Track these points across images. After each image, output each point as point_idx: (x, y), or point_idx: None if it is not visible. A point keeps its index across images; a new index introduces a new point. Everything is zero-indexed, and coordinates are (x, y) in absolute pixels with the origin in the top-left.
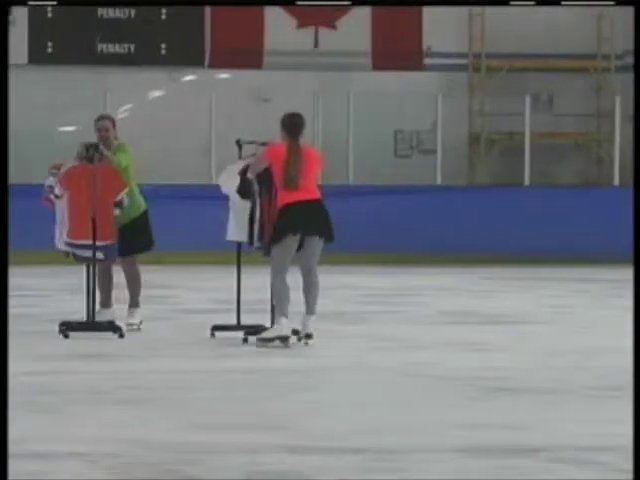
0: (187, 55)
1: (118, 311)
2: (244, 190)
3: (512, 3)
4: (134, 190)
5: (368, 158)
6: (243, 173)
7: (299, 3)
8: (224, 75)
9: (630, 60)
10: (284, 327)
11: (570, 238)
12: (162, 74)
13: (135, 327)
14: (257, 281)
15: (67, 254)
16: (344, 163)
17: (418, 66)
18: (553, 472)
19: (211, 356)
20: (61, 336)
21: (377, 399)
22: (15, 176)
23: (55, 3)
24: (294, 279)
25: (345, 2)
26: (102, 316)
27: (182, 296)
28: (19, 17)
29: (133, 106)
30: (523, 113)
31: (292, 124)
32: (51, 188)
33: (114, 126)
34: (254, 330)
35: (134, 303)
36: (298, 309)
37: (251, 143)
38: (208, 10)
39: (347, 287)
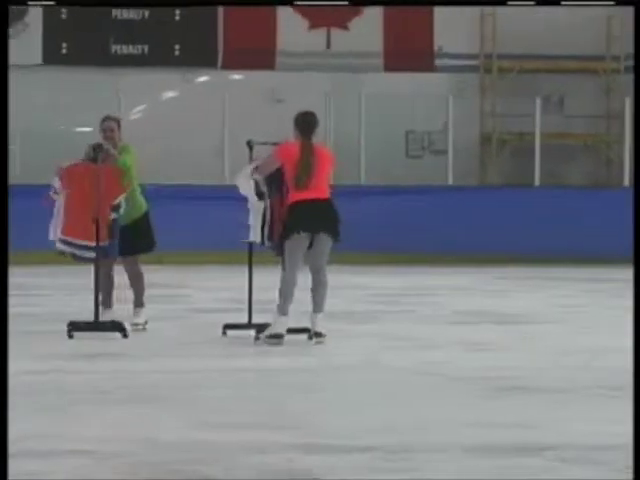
0: (200, 56)
1: (119, 311)
2: (258, 191)
3: (511, 3)
4: (136, 191)
5: (380, 158)
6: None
7: (300, 3)
8: (237, 76)
9: None
10: (279, 325)
11: (580, 238)
12: (175, 75)
13: (140, 327)
14: (269, 280)
15: (62, 252)
16: (356, 163)
17: (429, 67)
18: (563, 471)
19: (222, 355)
20: (66, 336)
21: (388, 398)
22: (29, 177)
23: (54, 3)
24: (303, 279)
25: (344, 2)
26: (103, 316)
27: (194, 295)
28: (34, 18)
29: (146, 107)
30: (534, 114)
31: (305, 123)
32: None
33: (119, 127)
34: (265, 329)
35: (139, 303)
36: (306, 308)
37: (262, 144)
38: (221, 11)
39: (358, 287)
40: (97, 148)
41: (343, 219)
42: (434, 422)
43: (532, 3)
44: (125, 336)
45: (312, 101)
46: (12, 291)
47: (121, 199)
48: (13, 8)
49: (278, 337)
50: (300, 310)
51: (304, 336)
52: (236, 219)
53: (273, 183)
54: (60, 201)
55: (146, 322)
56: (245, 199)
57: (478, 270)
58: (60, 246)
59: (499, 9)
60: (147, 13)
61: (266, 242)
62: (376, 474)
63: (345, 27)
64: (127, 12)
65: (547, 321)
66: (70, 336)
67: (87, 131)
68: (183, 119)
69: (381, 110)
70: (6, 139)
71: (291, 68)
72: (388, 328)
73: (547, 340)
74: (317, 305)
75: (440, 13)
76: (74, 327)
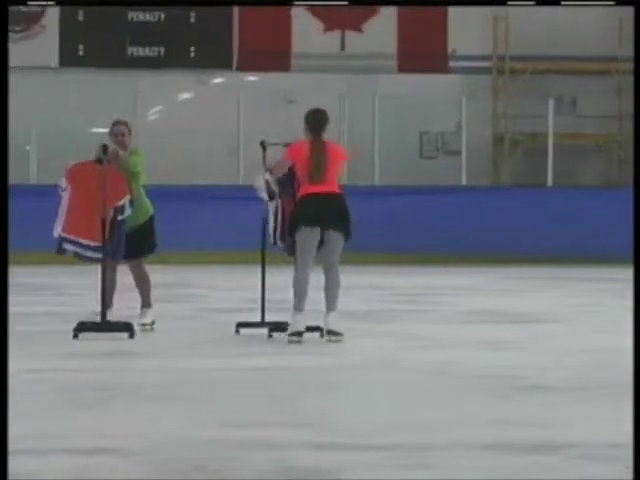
0: (215, 58)
1: (120, 311)
2: (269, 190)
3: (511, 3)
4: (142, 194)
5: (394, 159)
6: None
7: (300, 3)
8: (252, 78)
9: None
10: (299, 323)
11: (591, 238)
12: (191, 77)
13: (148, 327)
14: (282, 280)
15: (63, 251)
16: (370, 164)
17: (443, 69)
18: (578, 468)
19: (238, 354)
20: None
21: (403, 397)
22: (45, 177)
23: (53, 3)
24: (316, 278)
25: (344, 2)
26: (98, 316)
27: (208, 295)
28: (51, 21)
29: (162, 108)
30: (546, 115)
31: (316, 120)
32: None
33: (130, 132)
34: (278, 327)
35: (146, 303)
36: (318, 307)
37: (275, 145)
38: (236, 14)
39: (373, 286)
40: (104, 149)
41: (357, 219)
42: (449, 421)
43: (532, 3)
44: (132, 337)
45: (327, 102)
46: (36, 291)
47: (125, 201)
48: (29, 11)
49: (298, 334)
50: (310, 309)
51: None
52: (244, 218)
53: (285, 184)
54: (65, 199)
55: (153, 322)
56: (261, 200)
57: (492, 270)
58: (63, 245)
59: (511, 12)
60: (163, 15)
61: (278, 243)
62: (393, 471)
63: (359, 29)
64: (143, 14)
65: (560, 320)
66: (75, 336)
67: (103, 132)
68: (198, 120)
69: (395, 111)
70: (6, 139)
71: (306, 70)
72: (403, 327)
73: (561, 339)
74: (330, 304)
75: (454, 15)
76: (82, 327)
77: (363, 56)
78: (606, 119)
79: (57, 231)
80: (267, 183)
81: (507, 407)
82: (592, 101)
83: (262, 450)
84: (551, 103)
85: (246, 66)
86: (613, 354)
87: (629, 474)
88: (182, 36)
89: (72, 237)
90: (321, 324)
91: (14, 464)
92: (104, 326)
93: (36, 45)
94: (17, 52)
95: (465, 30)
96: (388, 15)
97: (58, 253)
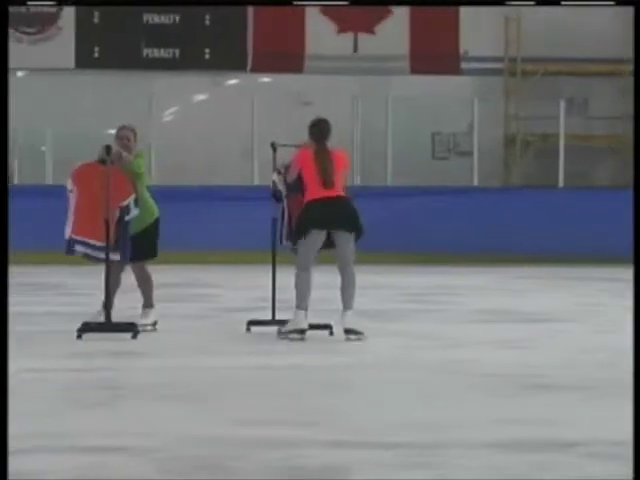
0: (230, 60)
1: (121, 311)
2: (275, 190)
3: (511, 3)
4: (147, 196)
5: (406, 160)
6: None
7: (300, 3)
8: (266, 79)
9: None
10: (302, 320)
11: (603, 239)
12: (206, 78)
13: (149, 328)
14: (292, 280)
15: (73, 252)
16: (383, 165)
17: (455, 70)
18: (589, 467)
19: (248, 352)
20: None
21: (415, 396)
22: (61, 178)
23: (53, 3)
24: (332, 277)
25: (344, 2)
26: (102, 316)
27: (220, 294)
28: (66, 23)
29: (177, 109)
30: (557, 116)
31: (319, 130)
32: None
33: (135, 136)
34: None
35: (148, 304)
36: (328, 306)
37: (285, 146)
38: (250, 16)
39: (386, 286)
40: (107, 149)
41: (370, 219)
42: (461, 419)
43: (532, 3)
44: (135, 337)
45: (340, 104)
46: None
47: (130, 200)
48: (45, 13)
49: (300, 332)
50: (318, 308)
51: (338, 335)
52: (256, 219)
53: (292, 187)
54: (72, 201)
55: (155, 323)
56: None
57: (503, 270)
58: (73, 246)
59: (523, 13)
60: (178, 17)
61: (284, 242)
62: (405, 469)
63: (372, 31)
64: (158, 16)
65: (570, 320)
66: (78, 337)
67: None
68: (213, 121)
69: (407, 112)
70: (6, 139)
71: (319, 71)
72: (414, 327)
73: (571, 338)
74: (346, 303)
75: (465, 17)
76: (86, 328)
77: (376, 58)
78: (617, 120)
79: (67, 233)
80: (274, 183)
81: (514, 406)
82: (603, 102)
83: (270, 448)
84: (562, 104)
85: (260, 68)
86: (619, 353)
87: None
88: (197, 38)
89: (80, 238)
90: (330, 322)
91: (19, 463)
92: (108, 326)
93: (52, 47)
94: (33, 54)
95: (477, 32)
96: (400, 17)
97: (68, 254)
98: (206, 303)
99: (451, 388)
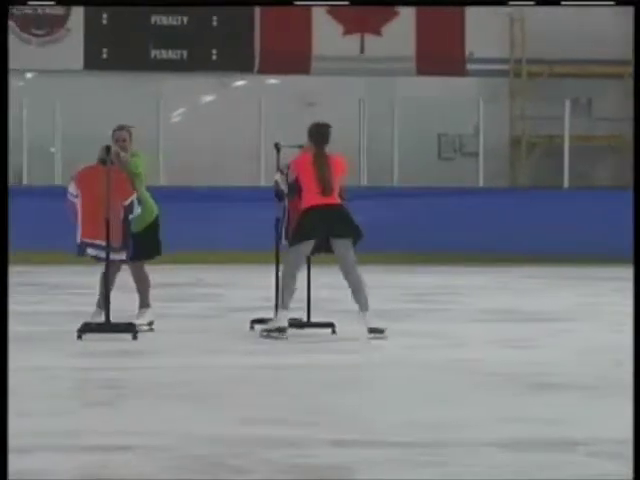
0: (237, 61)
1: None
2: (277, 190)
3: (511, 3)
4: (146, 195)
5: (412, 160)
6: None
7: (300, 3)
8: (273, 80)
9: None
10: (283, 319)
11: (608, 238)
12: (213, 80)
13: (145, 328)
14: (299, 280)
15: (85, 255)
16: (389, 165)
17: (461, 72)
18: (595, 466)
19: (253, 352)
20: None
21: (419, 395)
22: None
23: (53, 3)
24: (335, 278)
25: (344, 2)
26: (98, 316)
27: (225, 294)
28: (75, 24)
29: (185, 111)
30: (562, 117)
31: (319, 134)
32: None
33: (131, 137)
34: (292, 322)
35: (144, 304)
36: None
37: (289, 147)
38: (258, 18)
39: (392, 286)
40: (107, 150)
41: (377, 219)
42: (465, 418)
43: (532, 3)
44: (135, 337)
45: (346, 105)
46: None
47: (133, 199)
48: (54, 14)
49: (282, 330)
50: (323, 307)
51: (341, 334)
52: (264, 219)
53: (292, 188)
54: (78, 205)
55: (151, 322)
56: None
57: (509, 270)
58: (84, 249)
59: (528, 15)
60: (186, 19)
61: (283, 241)
62: (411, 468)
63: (378, 33)
64: (166, 18)
65: (575, 319)
66: (78, 337)
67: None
68: (220, 123)
69: (414, 113)
70: (6, 139)
71: (326, 73)
72: (420, 326)
73: (574, 338)
74: (361, 305)
75: (471, 19)
76: (86, 328)
77: (382, 59)
78: (622, 121)
79: (78, 239)
80: (276, 183)
81: (517, 405)
82: (608, 103)
83: (274, 447)
84: (567, 105)
85: (267, 69)
86: (623, 353)
87: None
88: (204, 39)
89: (90, 240)
90: (332, 321)
91: (21, 462)
92: (107, 327)
93: (61, 48)
94: (42, 55)
95: (482, 34)
96: (407, 19)
97: (79, 255)
98: (210, 302)
99: (455, 387)
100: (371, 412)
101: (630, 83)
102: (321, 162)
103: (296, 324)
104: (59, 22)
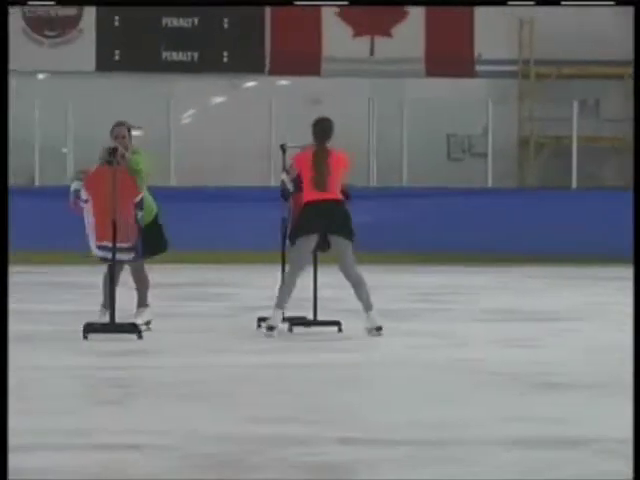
0: (248, 63)
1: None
2: (284, 189)
3: (510, 3)
4: (145, 194)
5: (421, 161)
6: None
7: (300, 3)
8: (283, 82)
9: None
10: (277, 318)
11: (616, 238)
12: (224, 81)
13: (143, 327)
14: (305, 280)
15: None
16: (398, 166)
17: (470, 73)
18: (598, 464)
19: (260, 351)
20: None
21: (429, 394)
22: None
23: (53, 3)
24: (337, 278)
25: (344, 2)
26: (104, 317)
27: (235, 294)
28: (87, 26)
29: (196, 112)
30: (570, 118)
31: (321, 129)
32: (77, 192)
33: (129, 132)
34: (298, 321)
35: (142, 303)
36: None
37: (294, 147)
38: (268, 19)
39: (398, 285)
40: (112, 151)
41: (385, 219)
42: (469, 417)
43: (532, 3)
44: (140, 337)
45: (356, 106)
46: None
47: (142, 196)
48: (66, 16)
49: (271, 328)
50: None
51: (345, 333)
52: (275, 219)
53: (295, 184)
54: (89, 210)
55: (148, 322)
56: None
57: (515, 269)
58: (99, 252)
59: (536, 17)
60: (197, 21)
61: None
62: (417, 466)
63: (388, 34)
64: (177, 20)
65: (581, 318)
66: (84, 337)
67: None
68: (231, 124)
69: (423, 114)
70: (6, 140)
71: (336, 74)
72: (427, 326)
73: (578, 337)
74: (364, 304)
75: (479, 20)
76: (90, 328)
77: (392, 61)
78: (629, 122)
79: (93, 246)
80: (283, 182)
81: (521, 404)
82: (615, 104)
83: (282, 445)
84: (575, 106)
85: (278, 70)
86: (627, 352)
87: None
88: (215, 41)
89: (105, 243)
90: (338, 319)
91: (33, 460)
92: (112, 327)
93: (73, 50)
94: (55, 56)
95: (491, 35)
96: (416, 21)
97: (90, 257)
98: (220, 302)
99: (459, 387)
100: (376, 411)
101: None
102: (320, 157)
103: (303, 322)
104: (71, 24)
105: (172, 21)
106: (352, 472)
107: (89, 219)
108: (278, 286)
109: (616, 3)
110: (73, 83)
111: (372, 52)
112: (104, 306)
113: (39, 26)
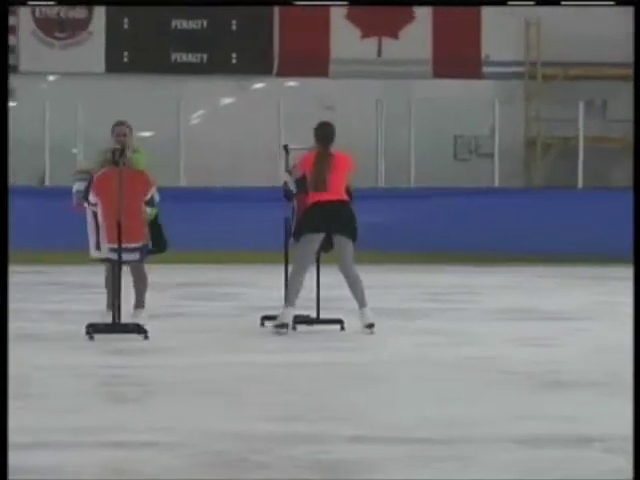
0: (256, 64)
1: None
2: (286, 189)
3: (510, 3)
4: None
5: (429, 161)
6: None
7: (300, 3)
8: (292, 83)
9: None
10: (287, 315)
11: (622, 239)
12: (233, 82)
13: None
14: (309, 280)
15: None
16: (406, 166)
17: (477, 74)
18: (610, 462)
19: (269, 351)
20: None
21: (439, 392)
22: None
23: (53, 3)
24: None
25: (344, 2)
26: (108, 317)
27: (243, 293)
28: (97, 28)
29: (205, 113)
30: (577, 119)
31: (323, 134)
32: (80, 193)
33: (131, 131)
34: (302, 319)
35: (140, 304)
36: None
37: (298, 149)
38: (277, 21)
39: (409, 285)
40: (116, 152)
41: (393, 220)
42: (480, 416)
43: (532, 3)
44: (146, 338)
45: (364, 107)
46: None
47: (153, 193)
48: (76, 18)
49: (284, 326)
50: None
51: (351, 332)
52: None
53: (300, 187)
54: (99, 214)
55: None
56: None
57: (523, 269)
58: (110, 254)
59: (543, 18)
60: (206, 23)
61: (292, 239)
62: (428, 464)
63: (396, 36)
64: (186, 22)
65: (590, 318)
66: (90, 338)
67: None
68: (239, 125)
69: (430, 115)
70: (6, 140)
71: (344, 75)
72: (437, 325)
73: (589, 336)
74: (359, 301)
75: (486, 22)
76: (93, 329)
77: (399, 62)
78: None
79: (94, 247)
80: (285, 183)
81: (532, 403)
82: (622, 105)
83: (297, 443)
84: (582, 107)
85: (286, 72)
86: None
87: None
88: (224, 43)
89: (114, 245)
90: (341, 317)
91: (47, 457)
92: (116, 327)
93: (83, 52)
94: (64, 58)
95: (498, 36)
96: (423, 22)
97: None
98: (229, 302)
99: (470, 385)
100: (384, 409)
101: None
102: (321, 160)
103: (306, 321)
104: (81, 26)
105: (181, 23)
106: (360, 470)
107: (91, 221)
108: (287, 284)
109: (616, 3)
110: (83, 84)
111: (380, 53)
112: (109, 306)
113: (49, 28)
